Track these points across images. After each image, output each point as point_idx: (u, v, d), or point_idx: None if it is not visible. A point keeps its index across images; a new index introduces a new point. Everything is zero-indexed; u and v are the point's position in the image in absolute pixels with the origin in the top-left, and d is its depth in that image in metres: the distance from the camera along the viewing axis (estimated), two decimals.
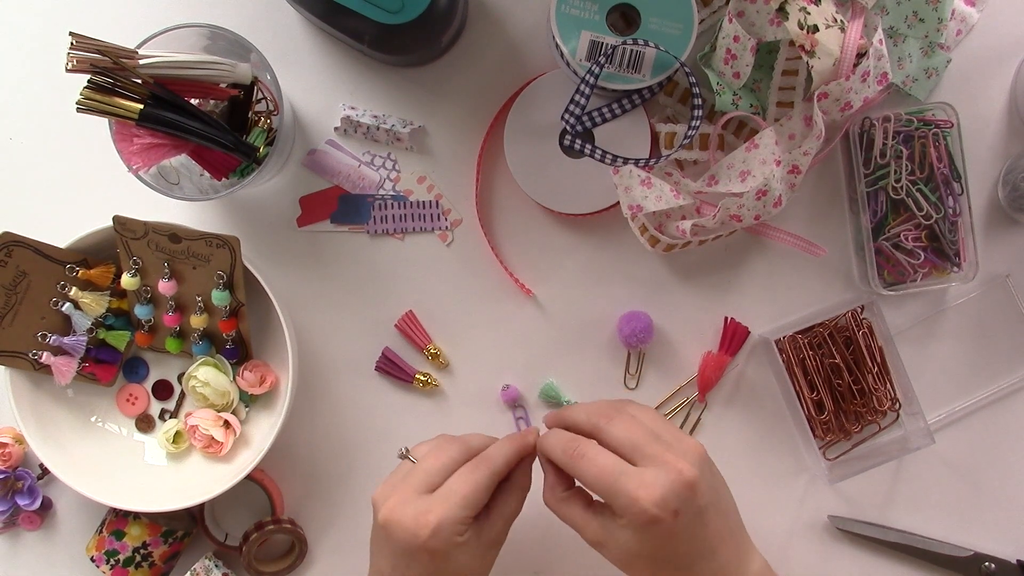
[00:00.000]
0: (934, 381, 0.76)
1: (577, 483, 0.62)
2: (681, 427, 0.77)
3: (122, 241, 0.70)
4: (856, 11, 0.69)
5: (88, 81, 0.63)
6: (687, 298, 0.77)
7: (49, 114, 0.77)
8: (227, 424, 0.74)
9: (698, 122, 0.71)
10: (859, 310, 0.75)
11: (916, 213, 0.73)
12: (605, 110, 0.73)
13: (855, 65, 0.67)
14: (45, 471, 0.77)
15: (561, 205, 0.74)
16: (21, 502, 0.76)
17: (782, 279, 0.77)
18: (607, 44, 0.69)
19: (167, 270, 0.71)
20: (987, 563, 0.75)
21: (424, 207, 0.76)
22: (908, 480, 0.77)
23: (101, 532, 0.74)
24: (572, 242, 0.77)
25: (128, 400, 0.76)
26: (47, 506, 0.78)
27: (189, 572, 0.74)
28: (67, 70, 0.62)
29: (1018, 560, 0.76)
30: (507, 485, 0.63)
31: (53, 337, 0.72)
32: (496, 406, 0.77)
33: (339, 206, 0.76)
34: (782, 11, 0.67)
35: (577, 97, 0.71)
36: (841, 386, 0.75)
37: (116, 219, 0.69)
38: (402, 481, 0.60)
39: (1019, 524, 0.77)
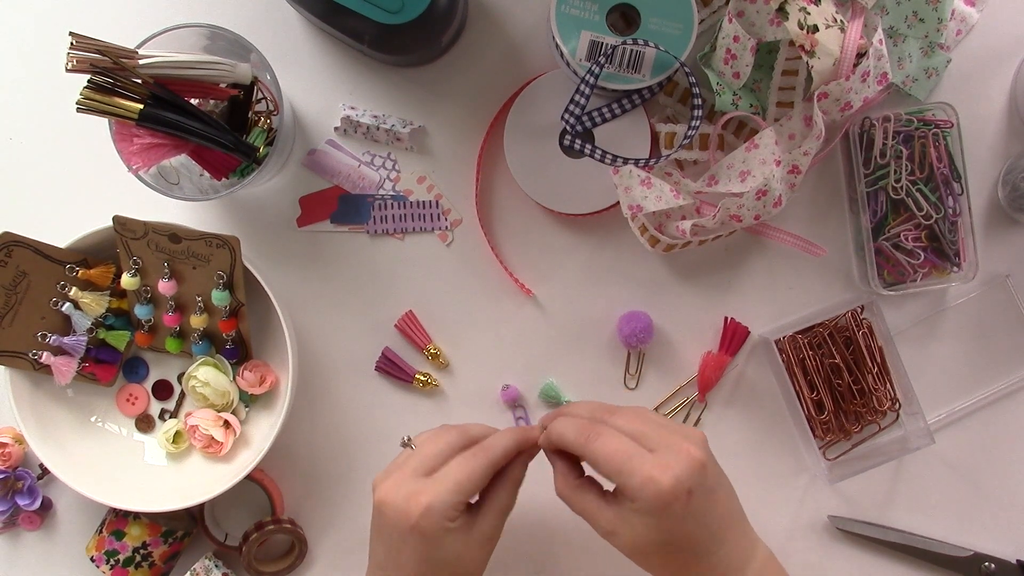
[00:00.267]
0: (934, 381, 0.76)
1: (587, 473, 0.62)
2: None
3: (122, 241, 0.70)
4: (856, 11, 0.69)
5: (88, 81, 0.63)
6: (687, 298, 0.77)
7: (49, 114, 0.77)
8: (227, 424, 0.74)
9: (698, 122, 0.71)
10: (859, 310, 0.75)
11: (916, 213, 0.73)
12: (605, 110, 0.73)
13: (855, 65, 0.67)
14: (45, 471, 0.77)
15: (561, 205, 0.74)
16: (21, 502, 0.76)
17: (782, 279, 0.77)
18: (607, 44, 0.69)
19: (167, 270, 0.71)
20: (987, 563, 0.75)
21: (424, 207, 0.76)
22: (908, 480, 0.77)
23: (101, 532, 0.74)
24: (572, 242, 0.77)
25: (128, 400, 0.76)
26: (47, 506, 0.78)
27: (189, 572, 0.74)
28: (67, 70, 0.62)
29: (1018, 560, 0.76)
30: (501, 478, 0.63)
31: (53, 337, 0.72)
32: (496, 406, 0.77)
33: (339, 206, 0.76)
34: (782, 11, 0.67)
35: (577, 97, 0.71)
36: (841, 386, 0.75)
37: (116, 219, 0.69)
38: (400, 465, 0.61)
39: (1019, 524, 0.77)
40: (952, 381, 0.77)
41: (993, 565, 0.75)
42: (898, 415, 0.75)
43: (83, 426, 0.75)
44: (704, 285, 0.77)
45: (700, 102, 0.70)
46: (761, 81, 0.74)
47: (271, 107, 0.71)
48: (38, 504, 0.76)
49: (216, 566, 0.75)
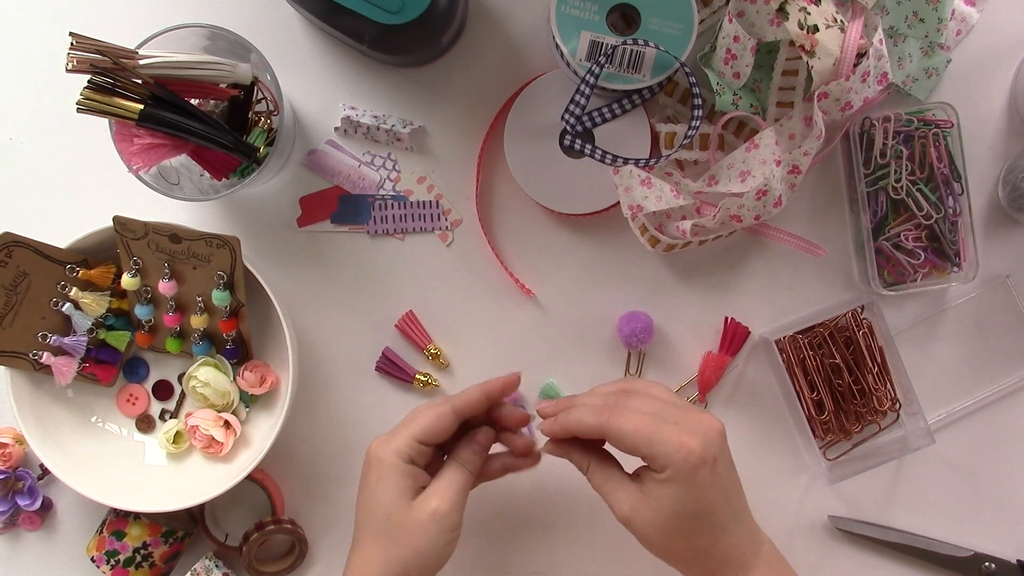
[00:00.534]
0: (934, 381, 0.76)
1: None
2: None
3: (122, 241, 0.70)
4: (856, 11, 0.69)
5: (88, 81, 0.63)
6: (687, 298, 0.77)
7: (49, 114, 0.77)
8: (227, 424, 0.74)
9: (698, 122, 0.71)
10: (859, 310, 0.75)
11: (916, 213, 0.73)
12: (605, 110, 0.73)
13: (855, 65, 0.67)
14: (45, 471, 0.77)
15: (561, 205, 0.74)
16: (21, 502, 0.76)
17: (782, 279, 0.77)
18: (607, 44, 0.69)
19: (167, 270, 0.71)
20: (987, 563, 0.75)
21: (424, 207, 0.76)
22: (908, 480, 0.77)
23: (101, 532, 0.74)
24: (572, 242, 0.77)
25: (128, 400, 0.76)
26: (47, 506, 0.78)
27: (189, 572, 0.74)
28: (67, 70, 0.62)
29: (1018, 560, 0.76)
30: (464, 441, 0.64)
31: (53, 337, 0.72)
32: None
33: (339, 206, 0.76)
34: (782, 11, 0.67)
35: (577, 97, 0.71)
36: (841, 386, 0.75)
37: (116, 219, 0.69)
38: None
39: (1019, 524, 0.77)
40: (952, 381, 0.77)
41: (993, 565, 0.75)
42: (898, 415, 0.75)
43: (83, 426, 0.75)
44: (704, 285, 0.77)
45: (700, 102, 0.70)
46: (761, 81, 0.74)
47: (271, 107, 0.71)
48: (38, 504, 0.76)
49: (216, 566, 0.75)
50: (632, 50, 0.69)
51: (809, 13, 0.66)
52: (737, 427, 0.77)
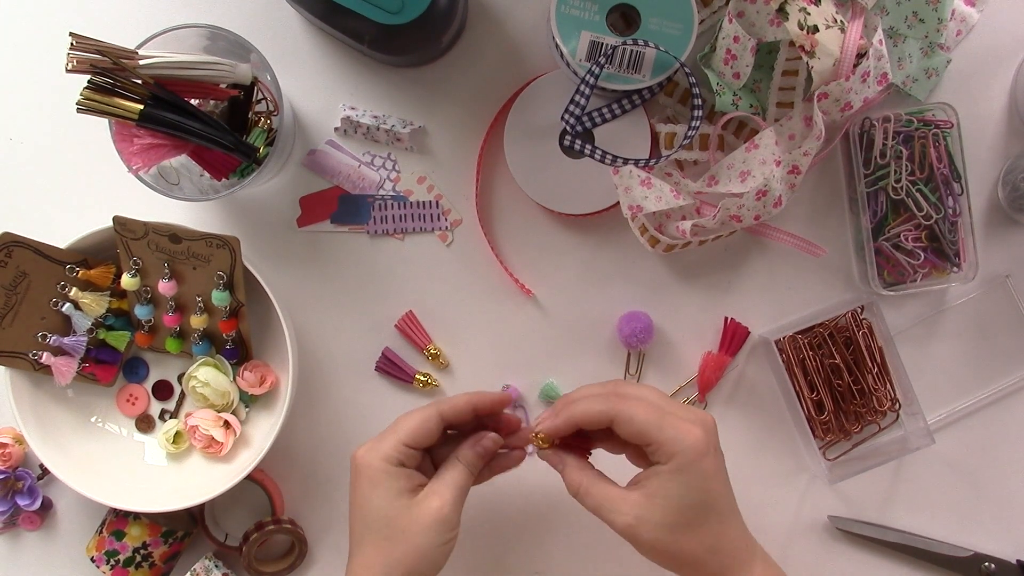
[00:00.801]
0: (934, 381, 0.76)
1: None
2: None
3: (122, 241, 0.70)
4: (856, 11, 0.69)
5: (88, 81, 0.63)
6: (687, 298, 0.77)
7: (49, 114, 0.77)
8: (227, 424, 0.74)
9: (698, 122, 0.71)
10: (859, 310, 0.75)
11: (916, 213, 0.73)
12: (605, 110, 0.73)
13: (855, 65, 0.67)
14: (45, 471, 0.77)
15: (561, 205, 0.74)
16: (21, 502, 0.76)
17: (782, 279, 0.77)
18: (607, 44, 0.69)
19: (167, 270, 0.71)
20: (987, 563, 0.75)
21: (424, 207, 0.76)
22: (908, 480, 0.77)
23: (101, 532, 0.74)
24: (572, 242, 0.77)
25: (128, 400, 0.76)
26: (47, 506, 0.78)
27: (189, 572, 0.74)
28: (67, 70, 0.62)
29: (1018, 560, 0.76)
30: (452, 457, 0.63)
31: (53, 337, 0.72)
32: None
33: (339, 206, 0.76)
34: (782, 11, 0.67)
35: (577, 97, 0.71)
36: (841, 386, 0.75)
37: (116, 219, 0.69)
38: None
39: (1019, 524, 0.77)
40: (952, 381, 0.77)
41: (993, 565, 0.75)
42: (898, 415, 0.75)
43: (83, 426, 0.75)
44: (704, 285, 0.77)
45: (700, 102, 0.70)
46: (761, 81, 0.74)
47: (271, 107, 0.71)
48: (38, 504, 0.76)
49: (216, 566, 0.75)
50: (632, 50, 0.69)
51: (809, 13, 0.66)
52: (737, 427, 0.77)
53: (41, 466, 0.77)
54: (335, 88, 0.76)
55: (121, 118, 0.64)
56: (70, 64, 0.62)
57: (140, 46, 0.66)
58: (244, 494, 0.76)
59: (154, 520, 0.74)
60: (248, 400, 0.76)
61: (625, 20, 0.72)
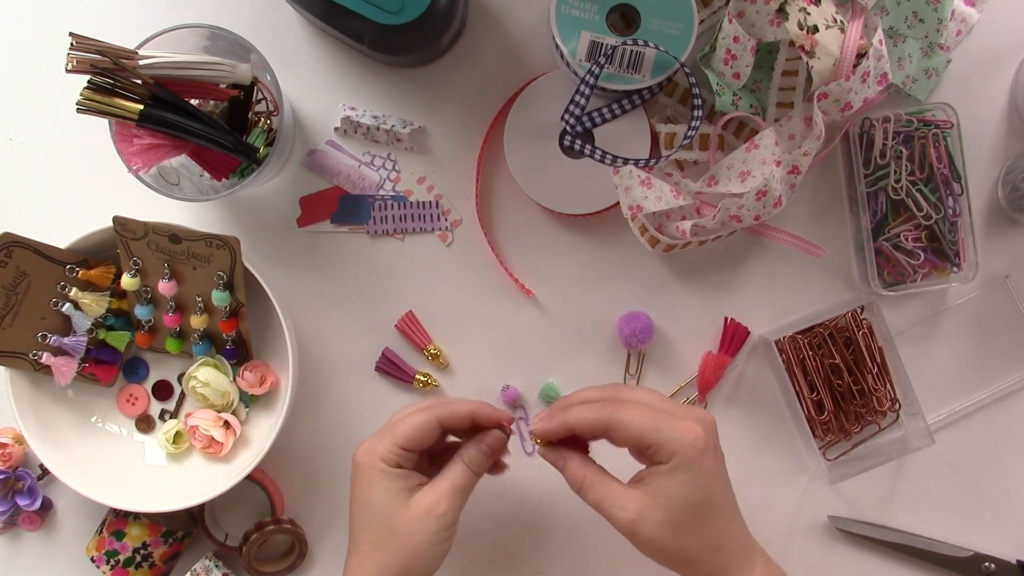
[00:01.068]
0: (934, 381, 0.76)
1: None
2: None
3: (122, 241, 0.70)
4: (856, 11, 0.69)
5: (88, 82, 0.63)
6: (687, 298, 0.77)
7: (49, 114, 0.77)
8: (227, 424, 0.74)
9: (698, 122, 0.71)
10: (859, 310, 0.75)
11: (916, 213, 0.73)
12: (605, 110, 0.73)
13: (855, 65, 0.67)
14: (45, 471, 0.77)
15: (561, 205, 0.74)
16: (21, 502, 0.76)
17: (782, 279, 0.77)
18: (607, 44, 0.69)
19: (167, 270, 0.71)
20: (987, 563, 0.75)
21: (424, 207, 0.76)
22: (908, 480, 0.77)
23: (101, 532, 0.74)
24: (572, 242, 0.77)
25: (128, 400, 0.76)
26: (47, 506, 0.78)
27: (189, 572, 0.74)
28: (67, 70, 0.62)
29: (1018, 560, 0.76)
30: (454, 456, 0.63)
31: (53, 337, 0.72)
32: (496, 406, 0.77)
33: (339, 206, 0.76)
34: (782, 11, 0.67)
35: (577, 97, 0.71)
36: (841, 386, 0.75)
37: (116, 219, 0.69)
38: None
39: (1019, 524, 0.77)
40: (952, 381, 0.77)
41: (993, 565, 0.75)
42: (898, 415, 0.75)
43: (83, 426, 0.75)
44: (704, 285, 0.77)
45: (700, 102, 0.70)
46: (761, 81, 0.74)
47: (271, 107, 0.71)
48: (38, 504, 0.76)
49: (216, 566, 0.75)
50: (632, 50, 0.69)
51: (809, 13, 0.66)
52: (737, 427, 0.77)
53: (41, 466, 0.77)
54: (335, 88, 0.76)
55: (121, 118, 0.64)
56: (70, 64, 0.62)
57: (140, 46, 0.66)
58: (244, 494, 0.76)
59: (154, 520, 0.74)
60: (248, 400, 0.76)
61: (625, 20, 0.72)
